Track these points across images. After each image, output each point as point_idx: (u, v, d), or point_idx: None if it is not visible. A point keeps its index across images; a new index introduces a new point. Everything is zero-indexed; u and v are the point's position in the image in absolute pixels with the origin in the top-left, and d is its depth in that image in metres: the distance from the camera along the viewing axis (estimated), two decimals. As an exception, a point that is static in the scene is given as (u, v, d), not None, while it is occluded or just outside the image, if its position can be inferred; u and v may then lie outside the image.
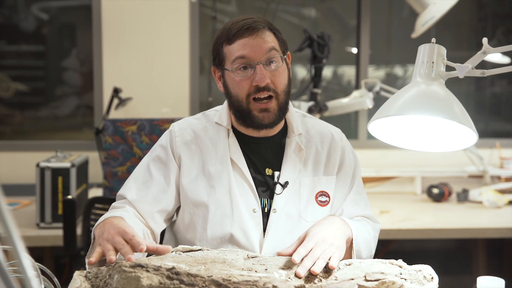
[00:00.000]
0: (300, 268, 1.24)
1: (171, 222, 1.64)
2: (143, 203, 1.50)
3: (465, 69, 1.22)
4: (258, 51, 1.44)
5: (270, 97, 1.46)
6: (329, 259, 1.29)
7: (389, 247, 3.23)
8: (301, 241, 1.35)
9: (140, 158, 2.00)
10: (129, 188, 1.53)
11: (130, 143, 2.63)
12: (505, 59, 3.22)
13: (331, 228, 1.39)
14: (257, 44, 1.44)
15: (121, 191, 1.53)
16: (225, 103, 1.59)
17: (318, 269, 1.25)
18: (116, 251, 1.20)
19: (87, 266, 1.32)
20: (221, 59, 1.49)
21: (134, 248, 1.21)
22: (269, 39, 1.46)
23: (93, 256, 1.19)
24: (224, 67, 1.49)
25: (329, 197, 1.56)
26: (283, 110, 1.50)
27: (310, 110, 2.83)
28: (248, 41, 1.44)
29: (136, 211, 1.49)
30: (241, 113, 1.50)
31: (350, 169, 1.60)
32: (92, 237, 1.35)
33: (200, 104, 3.51)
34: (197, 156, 1.54)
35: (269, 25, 1.49)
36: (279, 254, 1.35)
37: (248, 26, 1.44)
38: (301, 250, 1.30)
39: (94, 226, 1.37)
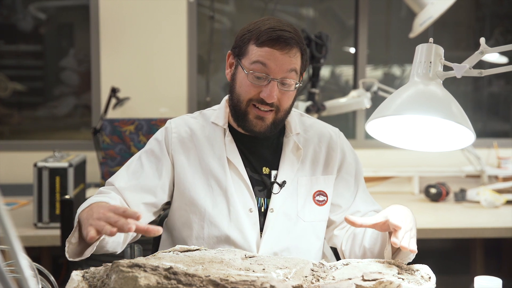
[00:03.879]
0: (405, 242, 1.29)
1: (165, 220, 1.64)
2: (130, 193, 1.48)
3: (463, 69, 1.22)
4: (280, 68, 1.42)
5: (270, 110, 1.47)
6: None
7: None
8: (376, 219, 1.34)
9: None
10: (119, 177, 1.52)
11: (128, 143, 2.63)
12: (503, 59, 3.22)
13: (409, 214, 1.38)
14: (283, 60, 1.42)
15: (111, 179, 1.53)
16: (223, 102, 1.59)
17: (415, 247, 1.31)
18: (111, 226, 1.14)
19: (66, 249, 1.27)
20: (242, 53, 1.47)
21: (131, 218, 1.14)
22: (295, 60, 1.44)
23: (89, 233, 1.13)
24: (241, 62, 1.47)
25: (326, 196, 1.56)
26: (277, 124, 1.50)
27: (308, 110, 2.84)
28: (276, 54, 1.42)
29: (123, 199, 1.48)
30: (236, 112, 1.50)
31: (352, 168, 1.60)
32: (75, 221, 1.29)
33: (198, 104, 3.50)
34: (193, 154, 1.54)
35: (301, 45, 1.46)
36: (345, 219, 1.33)
37: (283, 39, 1.42)
38: (405, 228, 1.31)
39: (78, 211, 1.30)
